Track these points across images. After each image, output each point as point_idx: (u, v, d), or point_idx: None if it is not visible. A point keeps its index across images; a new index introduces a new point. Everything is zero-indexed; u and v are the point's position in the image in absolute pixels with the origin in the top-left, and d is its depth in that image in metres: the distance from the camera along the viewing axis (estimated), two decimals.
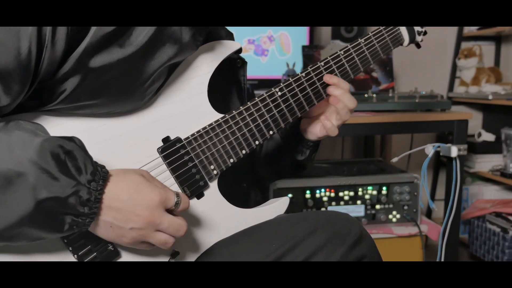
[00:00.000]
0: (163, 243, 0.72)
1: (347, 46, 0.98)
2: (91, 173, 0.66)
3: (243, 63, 0.99)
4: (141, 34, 0.73)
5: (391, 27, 1.02)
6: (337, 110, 0.95)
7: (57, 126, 0.74)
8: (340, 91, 0.94)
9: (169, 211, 0.72)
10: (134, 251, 0.77)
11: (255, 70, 2.21)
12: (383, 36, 1.01)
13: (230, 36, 1.00)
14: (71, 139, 0.68)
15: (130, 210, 0.68)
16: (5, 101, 0.66)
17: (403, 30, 1.04)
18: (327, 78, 0.94)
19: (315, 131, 1.00)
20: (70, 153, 0.65)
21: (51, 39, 0.66)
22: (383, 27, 1.01)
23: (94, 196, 0.66)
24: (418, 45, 1.09)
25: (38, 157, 0.63)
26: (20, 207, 0.62)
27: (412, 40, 1.05)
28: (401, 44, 1.05)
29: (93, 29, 0.69)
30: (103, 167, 0.68)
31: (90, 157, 0.68)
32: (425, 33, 1.07)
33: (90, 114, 0.76)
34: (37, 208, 0.62)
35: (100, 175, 0.67)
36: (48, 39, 0.66)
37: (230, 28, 1.02)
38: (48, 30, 0.66)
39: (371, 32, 1.00)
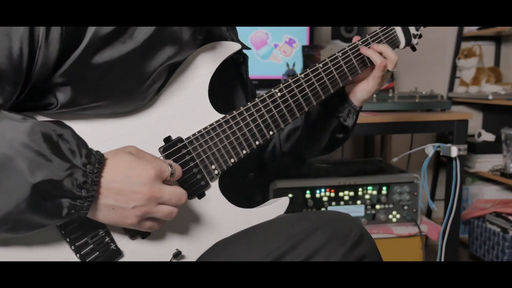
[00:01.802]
0: (168, 214, 0.72)
1: (344, 48, 0.99)
2: (86, 155, 0.66)
3: (245, 58, 0.99)
4: (141, 32, 0.73)
5: (388, 29, 1.03)
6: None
7: None
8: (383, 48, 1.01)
9: (165, 182, 0.72)
10: (137, 251, 0.77)
11: (255, 70, 2.21)
12: (380, 39, 1.03)
13: (231, 31, 1.00)
14: (62, 124, 0.67)
15: (129, 189, 0.68)
16: None
17: (399, 33, 1.05)
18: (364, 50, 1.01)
19: (369, 87, 1.04)
20: (62, 136, 0.65)
21: (45, 40, 0.66)
22: (380, 29, 1.03)
23: (91, 179, 0.65)
24: (413, 48, 1.11)
25: (30, 139, 0.63)
26: (16, 192, 0.62)
27: (408, 43, 1.07)
28: (397, 47, 1.07)
29: (92, 30, 0.69)
30: (97, 151, 0.68)
31: (84, 141, 0.68)
32: (420, 36, 1.09)
33: (93, 115, 0.76)
34: (33, 192, 0.62)
35: (96, 158, 0.67)
36: (42, 40, 0.66)
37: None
38: (41, 31, 0.66)
39: (368, 35, 1.02)
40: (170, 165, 0.73)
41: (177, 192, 0.72)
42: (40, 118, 0.73)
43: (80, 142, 0.67)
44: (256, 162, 1.08)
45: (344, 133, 1.14)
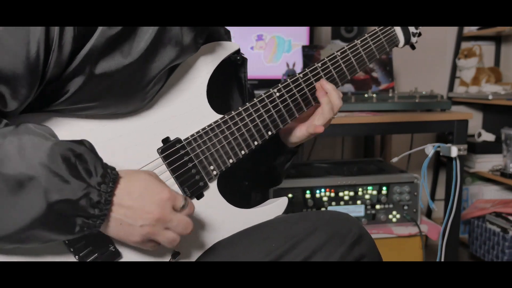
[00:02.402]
0: (171, 241, 0.72)
1: (343, 47, 0.99)
2: (101, 175, 0.66)
3: (243, 60, 0.99)
4: (143, 40, 0.73)
5: (387, 28, 1.03)
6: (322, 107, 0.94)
7: (60, 127, 0.74)
8: (329, 88, 0.93)
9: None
10: (135, 252, 0.77)
11: (255, 70, 2.21)
12: (379, 38, 1.02)
13: (228, 34, 1.00)
14: (81, 142, 0.68)
15: (140, 207, 0.69)
16: (13, 105, 0.67)
17: (399, 31, 1.05)
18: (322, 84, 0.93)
19: (299, 133, 0.98)
20: (80, 156, 0.66)
21: (58, 43, 0.66)
22: (379, 28, 1.02)
23: (104, 198, 0.66)
24: (412, 47, 1.10)
25: (49, 160, 0.63)
26: (32, 210, 0.62)
27: (407, 41, 1.07)
28: (396, 46, 1.06)
29: (98, 31, 0.69)
30: (113, 169, 0.69)
31: (100, 160, 0.68)
32: (419, 34, 1.08)
33: (92, 115, 0.76)
34: (48, 211, 0.63)
35: (110, 177, 0.67)
36: (56, 42, 0.66)
37: (229, 28, 1.02)
38: (55, 33, 0.66)
39: (367, 34, 1.01)
40: (185, 199, 0.73)
41: (185, 221, 0.72)
42: (45, 117, 0.73)
43: (97, 162, 0.67)
44: (249, 171, 1.07)
45: (275, 171, 1.07)
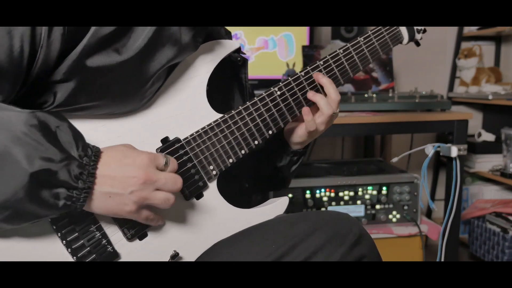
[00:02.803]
0: (165, 200, 0.72)
1: (346, 45, 0.97)
2: (83, 148, 0.67)
3: (244, 61, 0.99)
4: (140, 38, 0.73)
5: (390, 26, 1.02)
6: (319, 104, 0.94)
7: None
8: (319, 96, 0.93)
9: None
10: (133, 252, 0.77)
11: (255, 70, 2.21)
12: (383, 35, 1.01)
13: (229, 35, 1.00)
14: (61, 116, 0.68)
15: (124, 174, 0.69)
16: None
17: (403, 28, 1.03)
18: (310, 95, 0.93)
19: (300, 132, 0.98)
20: (60, 127, 0.66)
21: (47, 39, 0.66)
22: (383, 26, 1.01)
23: (88, 171, 0.66)
24: (417, 43, 1.09)
25: (28, 129, 0.63)
26: (15, 180, 0.62)
27: (412, 38, 1.05)
28: (401, 43, 1.05)
29: (92, 30, 0.69)
30: (94, 145, 0.69)
31: (81, 134, 0.68)
32: (424, 31, 1.06)
33: (89, 115, 0.76)
34: (30, 181, 0.62)
35: (92, 151, 0.68)
36: (44, 39, 0.66)
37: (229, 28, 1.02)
38: (43, 30, 0.66)
39: (371, 31, 1.00)
40: (165, 156, 0.73)
41: (172, 176, 0.72)
42: None
43: (78, 135, 0.68)
44: (252, 171, 1.06)
45: (280, 173, 1.06)
